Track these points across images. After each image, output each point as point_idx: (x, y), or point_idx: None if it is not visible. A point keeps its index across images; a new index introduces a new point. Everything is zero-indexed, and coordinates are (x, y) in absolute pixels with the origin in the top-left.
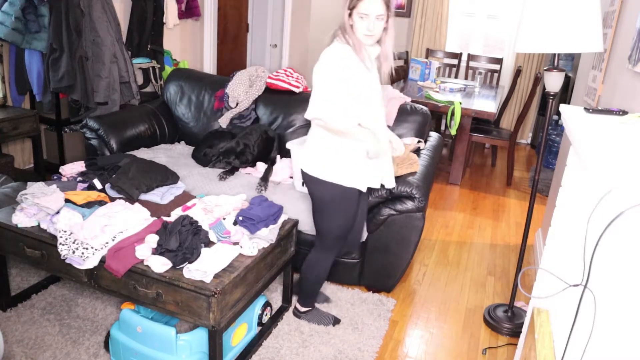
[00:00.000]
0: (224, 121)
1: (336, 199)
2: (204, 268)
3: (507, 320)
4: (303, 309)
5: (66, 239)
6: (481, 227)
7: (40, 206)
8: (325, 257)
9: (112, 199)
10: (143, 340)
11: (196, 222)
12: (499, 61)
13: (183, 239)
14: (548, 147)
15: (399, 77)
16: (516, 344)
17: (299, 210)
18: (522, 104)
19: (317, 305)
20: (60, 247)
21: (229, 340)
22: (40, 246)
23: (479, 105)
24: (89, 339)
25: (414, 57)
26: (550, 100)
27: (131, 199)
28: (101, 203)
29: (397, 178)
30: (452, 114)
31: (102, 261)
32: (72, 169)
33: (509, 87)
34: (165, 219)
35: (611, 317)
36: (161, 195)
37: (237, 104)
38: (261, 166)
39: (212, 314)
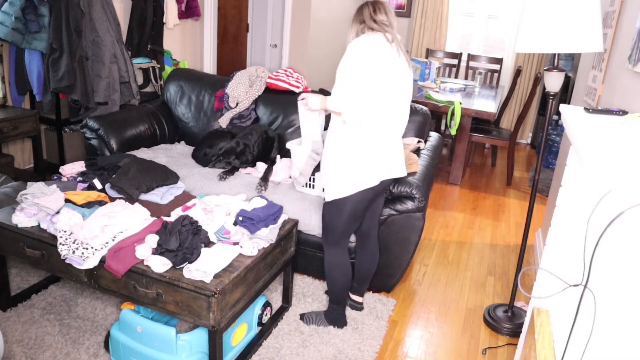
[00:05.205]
0: (224, 121)
1: (353, 199)
2: (204, 268)
3: (507, 320)
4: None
5: (66, 239)
6: (481, 227)
7: (40, 206)
8: (335, 254)
9: (112, 199)
10: (143, 340)
11: (196, 222)
12: (499, 61)
13: (183, 239)
14: (548, 147)
15: None
16: (516, 344)
17: (299, 210)
18: (522, 104)
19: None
20: (60, 247)
21: (229, 340)
22: (40, 246)
23: (479, 105)
24: (89, 339)
25: (414, 57)
26: (550, 100)
27: (131, 199)
28: (101, 203)
29: (398, 178)
30: (452, 114)
31: (102, 261)
32: (72, 169)
33: (509, 87)
34: (165, 219)
35: (611, 317)
36: (161, 195)
37: (237, 104)
38: (261, 166)
39: (212, 314)
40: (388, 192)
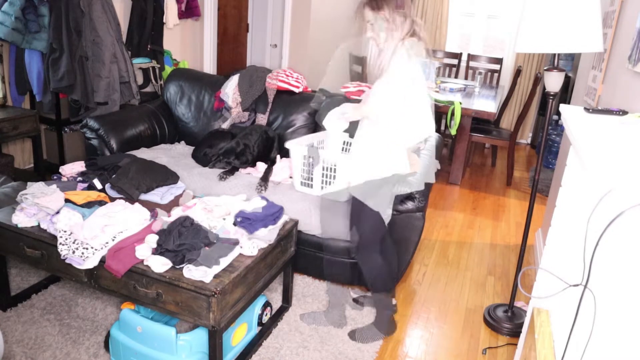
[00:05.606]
0: (224, 121)
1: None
2: (203, 268)
3: (507, 320)
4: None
5: (66, 239)
6: (481, 227)
7: (40, 206)
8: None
9: (112, 199)
10: (143, 340)
11: (196, 222)
12: (499, 61)
13: (183, 239)
14: (548, 147)
15: None
16: (516, 344)
17: (298, 210)
18: (522, 104)
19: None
20: (60, 247)
21: (229, 340)
22: (40, 246)
23: (479, 105)
24: (89, 339)
25: None
26: (550, 100)
27: (131, 199)
28: (101, 203)
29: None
30: (452, 114)
31: (102, 261)
32: (72, 169)
33: (509, 87)
34: (165, 219)
35: (611, 317)
36: (161, 195)
37: (237, 104)
38: (261, 166)
39: (212, 314)
40: None
